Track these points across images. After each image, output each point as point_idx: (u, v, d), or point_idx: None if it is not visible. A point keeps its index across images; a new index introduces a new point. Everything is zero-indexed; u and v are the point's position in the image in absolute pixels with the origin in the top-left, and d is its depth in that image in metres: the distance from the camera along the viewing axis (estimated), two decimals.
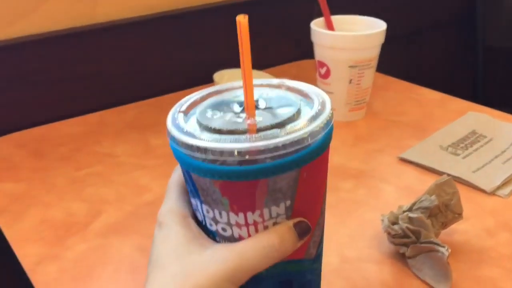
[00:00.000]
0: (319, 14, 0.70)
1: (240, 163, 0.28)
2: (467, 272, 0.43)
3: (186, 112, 0.33)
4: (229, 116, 0.31)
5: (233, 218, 0.30)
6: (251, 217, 0.30)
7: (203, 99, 0.34)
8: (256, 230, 0.30)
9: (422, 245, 0.41)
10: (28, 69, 0.70)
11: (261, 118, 0.30)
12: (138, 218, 0.51)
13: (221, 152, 0.28)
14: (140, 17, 0.79)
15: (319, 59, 0.69)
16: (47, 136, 0.68)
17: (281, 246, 0.30)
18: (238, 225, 0.31)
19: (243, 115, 0.31)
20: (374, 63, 0.68)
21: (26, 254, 0.46)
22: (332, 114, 0.30)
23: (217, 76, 0.77)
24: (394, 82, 0.83)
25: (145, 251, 0.46)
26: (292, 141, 0.28)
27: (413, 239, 0.42)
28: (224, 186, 0.29)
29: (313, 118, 0.30)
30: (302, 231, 0.31)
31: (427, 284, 0.42)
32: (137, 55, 0.79)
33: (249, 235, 0.31)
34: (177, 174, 0.34)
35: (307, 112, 0.31)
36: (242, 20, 0.29)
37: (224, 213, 0.30)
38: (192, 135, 0.29)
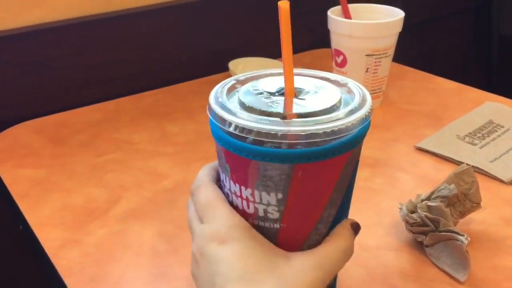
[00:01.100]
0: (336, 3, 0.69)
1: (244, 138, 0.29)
2: (485, 261, 0.43)
3: (229, 91, 0.34)
4: (264, 99, 0.32)
5: (232, 186, 0.32)
6: (244, 192, 0.31)
7: (245, 81, 0.35)
8: (248, 207, 0.32)
9: (441, 233, 0.42)
10: (46, 56, 0.71)
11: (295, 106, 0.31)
12: (157, 204, 0.52)
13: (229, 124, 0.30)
14: (156, 4, 0.79)
15: (336, 47, 0.68)
16: (66, 122, 0.68)
17: (352, 245, 0.33)
18: (236, 194, 0.32)
19: (279, 100, 0.32)
20: (391, 51, 0.68)
21: (48, 238, 0.47)
22: (337, 130, 0.29)
23: (232, 64, 0.77)
24: (410, 71, 0.83)
25: (164, 236, 0.47)
26: (295, 134, 0.28)
27: (432, 228, 0.42)
28: (226, 154, 0.31)
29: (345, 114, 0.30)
30: (357, 228, 0.34)
31: (445, 272, 0.42)
32: (153, 43, 0.79)
33: (243, 208, 0.32)
34: (212, 191, 0.33)
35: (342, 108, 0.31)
36: (283, 6, 0.30)
37: (227, 179, 0.32)
38: (228, 109, 0.30)
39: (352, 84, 0.34)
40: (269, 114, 0.30)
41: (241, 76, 0.35)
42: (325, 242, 0.32)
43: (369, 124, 0.31)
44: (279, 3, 0.30)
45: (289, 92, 0.32)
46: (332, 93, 0.32)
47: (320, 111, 0.30)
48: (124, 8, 0.76)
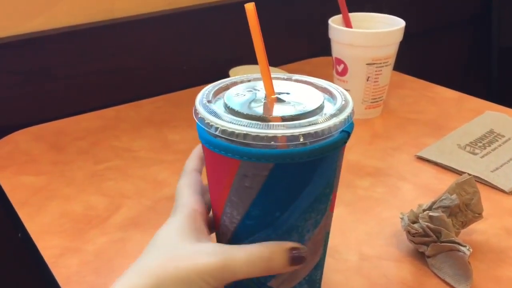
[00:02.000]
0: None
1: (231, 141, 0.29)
2: (487, 272, 0.43)
3: (214, 95, 0.34)
4: (249, 102, 0.32)
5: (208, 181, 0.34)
6: (220, 188, 0.32)
7: (229, 86, 0.35)
8: (220, 206, 0.33)
9: (443, 244, 0.41)
10: (47, 64, 0.71)
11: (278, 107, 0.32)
12: (157, 213, 0.51)
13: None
14: (157, 12, 0.79)
15: (337, 56, 0.69)
16: (66, 130, 0.68)
17: (269, 261, 0.31)
18: (212, 190, 0.34)
19: (263, 103, 0.33)
20: (392, 60, 0.68)
21: (47, 246, 0.47)
22: (309, 134, 0.29)
23: (233, 72, 0.77)
24: (410, 81, 0.83)
25: None
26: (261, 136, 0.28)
27: (434, 238, 0.42)
28: (209, 152, 0.32)
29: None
30: (295, 257, 0.31)
31: (447, 283, 0.42)
32: (154, 50, 0.79)
33: (219, 204, 0.33)
34: (187, 178, 0.37)
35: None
36: (248, 7, 0.31)
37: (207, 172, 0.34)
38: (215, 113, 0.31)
39: (334, 88, 0.35)
40: (253, 117, 0.30)
41: (230, 80, 0.36)
42: (243, 245, 0.32)
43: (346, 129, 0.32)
44: (245, 5, 0.31)
45: (268, 92, 0.33)
46: (315, 97, 0.33)
47: (303, 114, 0.31)
48: (125, 16, 0.77)
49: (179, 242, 0.32)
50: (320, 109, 0.32)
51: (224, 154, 0.30)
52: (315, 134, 0.29)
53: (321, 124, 0.29)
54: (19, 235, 0.54)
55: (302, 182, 0.30)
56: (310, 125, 0.29)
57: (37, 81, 0.71)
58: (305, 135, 0.29)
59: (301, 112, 0.31)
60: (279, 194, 0.31)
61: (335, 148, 0.31)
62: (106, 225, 0.50)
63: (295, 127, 0.29)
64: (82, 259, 0.45)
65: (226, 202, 0.32)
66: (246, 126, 0.29)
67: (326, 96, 0.34)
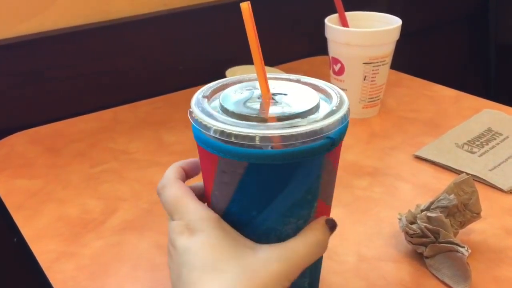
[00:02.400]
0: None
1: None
2: (485, 272, 0.43)
3: (209, 97, 0.34)
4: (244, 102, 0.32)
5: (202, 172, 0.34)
6: (208, 181, 0.33)
7: (225, 86, 0.35)
8: (209, 198, 0.33)
9: (441, 245, 0.41)
10: (43, 65, 0.70)
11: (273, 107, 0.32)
12: (154, 216, 0.51)
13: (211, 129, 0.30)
14: (153, 13, 0.79)
15: (333, 55, 0.68)
16: (62, 132, 0.68)
17: (324, 242, 0.33)
18: (204, 181, 0.34)
19: (259, 104, 0.33)
20: (389, 59, 0.68)
21: (42, 251, 0.47)
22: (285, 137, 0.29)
23: (229, 72, 0.77)
24: (408, 79, 0.83)
25: (161, 248, 0.46)
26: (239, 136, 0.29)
27: (432, 239, 0.42)
28: (197, 145, 0.32)
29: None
30: (331, 225, 0.33)
31: (445, 284, 0.41)
32: (150, 51, 0.79)
33: (208, 195, 0.33)
34: (178, 189, 0.34)
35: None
36: (244, 7, 0.31)
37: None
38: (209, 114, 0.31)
39: (330, 88, 0.34)
40: (249, 117, 0.30)
41: (223, 81, 0.36)
42: (295, 236, 0.32)
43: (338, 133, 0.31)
44: (240, 4, 0.31)
45: (264, 92, 0.33)
46: (311, 98, 0.33)
47: (298, 113, 0.30)
48: (121, 17, 0.76)
49: (241, 258, 0.30)
50: (311, 112, 0.31)
51: (205, 148, 0.31)
52: (291, 137, 0.29)
53: (300, 127, 0.29)
54: (15, 239, 0.53)
55: (278, 184, 0.30)
56: (290, 127, 0.29)
57: (32, 83, 0.70)
58: (283, 137, 0.29)
59: (291, 113, 0.30)
60: (255, 193, 0.31)
61: (314, 154, 0.30)
62: (103, 229, 0.49)
63: (274, 128, 0.29)
64: (78, 264, 0.45)
65: (211, 195, 0.33)
66: (226, 123, 0.29)
67: (325, 97, 0.34)
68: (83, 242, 0.48)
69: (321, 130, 0.29)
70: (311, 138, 0.29)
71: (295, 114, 0.30)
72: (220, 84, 0.35)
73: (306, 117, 0.30)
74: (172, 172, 0.35)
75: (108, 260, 0.45)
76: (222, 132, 0.29)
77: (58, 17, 0.71)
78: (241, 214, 0.32)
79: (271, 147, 0.29)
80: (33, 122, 0.70)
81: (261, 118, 0.30)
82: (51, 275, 0.44)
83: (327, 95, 0.34)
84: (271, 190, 0.31)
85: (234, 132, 0.29)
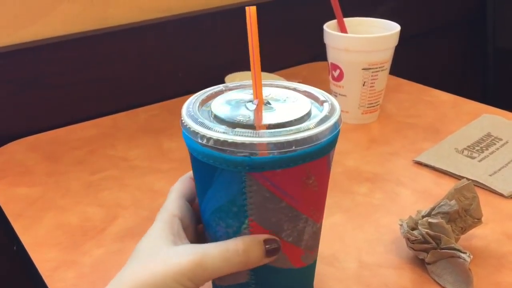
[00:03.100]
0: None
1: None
2: (487, 278, 0.43)
3: (202, 103, 0.35)
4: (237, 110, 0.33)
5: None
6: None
7: (218, 94, 0.36)
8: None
9: (443, 251, 0.41)
10: (41, 72, 0.70)
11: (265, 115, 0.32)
12: None
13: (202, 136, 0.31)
14: (152, 20, 0.79)
15: (332, 61, 0.68)
16: (61, 139, 0.68)
17: (244, 255, 0.31)
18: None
19: (251, 111, 0.33)
20: (388, 65, 0.68)
21: (43, 259, 0.46)
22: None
23: (228, 78, 0.77)
24: (407, 84, 0.83)
25: None
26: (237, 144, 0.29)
27: (433, 245, 0.42)
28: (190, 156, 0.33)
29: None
30: (271, 249, 0.31)
31: None
32: (150, 58, 0.79)
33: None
34: (180, 182, 0.37)
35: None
36: (252, 11, 0.31)
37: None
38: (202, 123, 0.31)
39: (322, 95, 0.35)
40: (239, 125, 0.31)
41: (218, 87, 0.36)
42: (221, 243, 0.32)
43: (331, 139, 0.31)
44: (246, 7, 0.31)
45: (259, 97, 0.33)
46: (302, 104, 0.33)
47: (289, 121, 0.31)
48: (120, 24, 0.76)
49: (156, 248, 0.32)
50: (300, 120, 0.31)
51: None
52: (233, 144, 0.29)
53: (218, 134, 0.30)
54: (14, 247, 0.53)
55: (205, 181, 0.32)
56: (227, 133, 0.30)
57: (31, 90, 0.70)
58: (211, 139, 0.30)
59: (288, 120, 0.31)
60: (197, 182, 0.34)
61: (229, 165, 0.30)
62: (103, 237, 0.49)
63: (243, 135, 0.29)
64: (78, 272, 0.45)
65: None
66: (201, 125, 0.31)
67: (318, 106, 0.34)
68: (83, 250, 0.47)
69: (289, 143, 0.29)
70: (231, 150, 0.29)
71: (294, 120, 0.31)
72: (212, 91, 0.36)
73: (294, 125, 0.30)
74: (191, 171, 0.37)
75: (108, 268, 0.45)
76: (189, 128, 0.31)
77: (57, 24, 0.72)
78: (198, 199, 0.35)
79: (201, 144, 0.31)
80: (32, 130, 0.70)
81: (248, 125, 0.31)
82: (52, 284, 0.43)
83: (320, 104, 0.34)
84: (203, 184, 0.32)
85: (192, 128, 0.31)
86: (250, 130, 0.29)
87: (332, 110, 0.32)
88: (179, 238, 0.33)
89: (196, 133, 0.30)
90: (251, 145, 0.29)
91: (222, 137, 0.29)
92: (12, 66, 0.68)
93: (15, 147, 0.66)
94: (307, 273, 0.36)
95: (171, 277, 0.30)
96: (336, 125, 0.31)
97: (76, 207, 0.54)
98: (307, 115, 0.32)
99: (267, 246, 0.31)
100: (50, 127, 0.70)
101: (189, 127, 0.31)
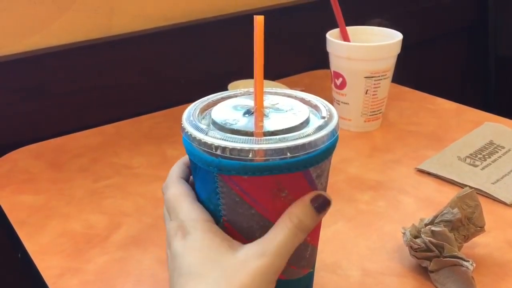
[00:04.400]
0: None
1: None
2: (491, 286, 0.43)
3: (202, 110, 0.35)
4: (235, 117, 0.33)
5: None
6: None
7: (218, 101, 0.36)
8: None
9: (446, 259, 0.41)
10: (45, 81, 0.71)
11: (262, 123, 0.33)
12: (157, 230, 0.51)
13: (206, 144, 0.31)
14: (155, 28, 0.79)
15: (335, 69, 0.69)
16: (65, 147, 0.68)
17: (301, 223, 0.31)
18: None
19: (249, 118, 0.33)
20: (390, 73, 0.68)
21: (47, 267, 0.47)
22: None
23: (232, 86, 0.77)
24: (409, 92, 0.83)
25: (165, 263, 0.46)
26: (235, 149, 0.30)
27: (436, 253, 0.42)
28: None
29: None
30: (319, 205, 0.32)
31: None
32: (152, 66, 0.79)
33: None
34: (177, 188, 0.35)
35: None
36: (259, 20, 0.32)
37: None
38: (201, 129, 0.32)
39: (320, 102, 0.35)
40: (237, 132, 0.31)
41: (218, 95, 0.37)
42: (273, 226, 0.31)
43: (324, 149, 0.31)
44: (254, 16, 0.32)
45: (258, 106, 0.33)
46: (301, 112, 0.33)
47: (286, 129, 0.31)
48: (123, 33, 0.77)
49: (222, 260, 0.30)
50: (298, 128, 0.32)
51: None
52: (204, 144, 0.30)
53: (196, 132, 0.31)
54: (19, 255, 0.53)
55: (194, 176, 0.34)
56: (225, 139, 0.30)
57: (35, 99, 0.71)
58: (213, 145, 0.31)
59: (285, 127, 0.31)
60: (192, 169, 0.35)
61: (203, 163, 0.31)
62: (107, 244, 0.49)
63: (215, 137, 0.30)
64: (83, 279, 0.45)
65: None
66: (195, 128, 0.32)
67: (317, 113, 0.34)
68: (87, 257, 0.48)
69: (282, 150, 0.30)
70: (278, 156, 0.30)
71: (291, 128, 0.31)
72: (213, 99, 0.36)
73: (292, 132, 0.31)
74: (175, 171, 0.36)
75: (112, 276, 0.45)
76: (193, 137, 0.31)
77: (61, 32, 0.72)
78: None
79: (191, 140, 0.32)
80: (36, 137, 0.70)
81: (246, 132, 0.31)
82: None
83: (320, 112, 0.34)
84: (193, 177, 0.34)
85: (196, 136, 0.31)
86: (221, 132, 0.31)
87: (318, 129, 0.31)
88: (227, 240, 0.32)
89: (183, 129, 0.32)
90: (219, 147, 0.30)
91: (198, 136, 0.31)
92: (16, 75, 0.69)
93: (19, 155, 0.67)
94: (288, 287, 0.35)
95: (259, 279, 0.29)
96: (312, 144, 0.30)
97: (80, 215, 0.54)
98: (303, 124, 0.32)
99: (315, 205, 0.31)
100: (54, 135, 0.71)
101: (182, 124, 0.33)
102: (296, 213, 0.31)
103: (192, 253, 0.31)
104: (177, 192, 0.34)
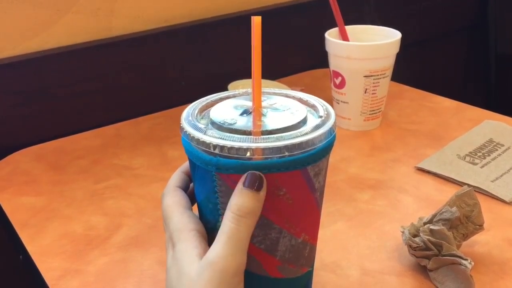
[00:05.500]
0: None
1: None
2: (490, 284, 0.43)
3: (201, 111, 0.36)
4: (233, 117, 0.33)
5: None
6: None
7: (217, 101, 0.37)
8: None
9: (444, 257, 0.41)
10: (46, 83, 0.71)
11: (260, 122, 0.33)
12: (158, 231, 0.51)
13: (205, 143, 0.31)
14: (154, 29, 0.80)
15: (334, 69, 0.69)
16: (66, 148, 0.68)
17: (241, 209, 0.30)
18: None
19: (247, 118, 0.33)
20: (389, 72, 0.68)
21: (48, 268, 0.47)
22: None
23: (231, 86, 0.77)
24: (408, 91, 0.83)
25: (165, 264, 0.46)
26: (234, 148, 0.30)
27: (435, 252, 0.42)
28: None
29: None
30: (250, 182, 0.30)
31: None
32: (152, 67, 0.79)
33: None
34: (171, 198, 0.35)
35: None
36: (257, 20, 0.32)
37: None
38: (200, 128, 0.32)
39: (317, 102, 0.35)
40: (235, 131, 0.31)
41: (217, 95, 0.37)
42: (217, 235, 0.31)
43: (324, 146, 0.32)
44: (252, 17, 0.32)
45: (256, 105, 0.34)
46: (298, 111, 0.34)
47: (284, 128, 0.31)
48: (123, 34, 0.77)
49: (184, 273, 0.31)
50: (295, 127, 0.32)
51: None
52: (203, 143, 0.31)
53: (194, 131, 0.31)
54: (20, 256, 0.54)
55: (193, 176, 0.34)
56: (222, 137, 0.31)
57: (36, 101, 0.71)
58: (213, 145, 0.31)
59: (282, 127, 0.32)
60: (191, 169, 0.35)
61: (202, 162, 0.31)
62: (107, 245, 0.49)
63: (213, 136, 0.31)
64: (83, 281, 0.45)
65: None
66: (194, 128, 0.32)
67: (314, 113, 0.34)
68: (88, 259, 0.48)
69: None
70: (275, 155, 0.30)
71: (289, 127, 0.32)
72: (212, 99, 0.36)
73: (289, 131, 0.31)
74: (173, 180, 0.36)
75: (112, 277, 0.45)
76: (191, 136, 0.32)
77: (61, 35, 0.72)
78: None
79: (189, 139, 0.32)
80: (36, 140, 0.70)
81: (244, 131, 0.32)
82: None
83: (317, 112, 0.34)
84: (192, 178, 0.35)
85: (195, 136, 0.31)
86: (219, 132, 0.31)
87: (315, 128, 0.32)
88: (205, 249, 0.32)
89: (182, 128, 0.33)
90: (218, 146, 0.30)
91: (197, 135, 0.31)
92: (17, 77, 0.69)
93: (20, 156, 0.67)
94: (287, 286, 0.35)
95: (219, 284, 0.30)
96: (309, 142, 0.31)
97: (80, 216, 0.54)
98: (300, 123, 0.32)
99: (248, 185, 0.30)
100: (54, 137, 0.71)
101: (181, 123, 0.33)
102: (233, 201, 0.31)
103: (174, 266, 0.32)
104: (169, 202, 0.34)
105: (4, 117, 0.69)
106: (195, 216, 0.34)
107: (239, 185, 0.31)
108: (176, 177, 0.37)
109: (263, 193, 0.30)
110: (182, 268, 0.31)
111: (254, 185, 0.30)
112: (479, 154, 0.61)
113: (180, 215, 0.33)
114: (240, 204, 0.30)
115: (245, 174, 0.30)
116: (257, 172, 0.30)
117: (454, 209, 0.43)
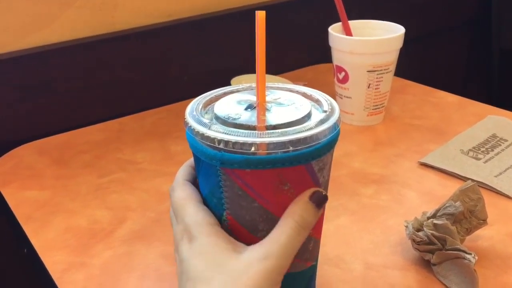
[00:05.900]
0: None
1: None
2: (493, 279, 0.43)
3: (205, 105, 0.35)
4: (238, 112, 0.33)
5: None
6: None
7: (221, 96, 0.37)
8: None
9: (448, 252, 0.41)
10: (49, 77, 0.71)
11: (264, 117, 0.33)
12: (161, 225, 0.51)
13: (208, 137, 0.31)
14: (158, 24, 0.79)
15: (337, 64, 0.69)
16: (69, 143, 0.69)
17: (303, 221, 0.31)
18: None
19: (252, 113, 0.33)
20: (393, 67, 0.68)
21: (53, 261, 0.47)
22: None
23: (234, 81, 0.77)
24: (412, 86, 0.83)
25: (169, 258, 0.47)
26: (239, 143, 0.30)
27: (439, 246, 0.42)
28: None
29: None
30: (318, 200, 0.32)
31: None
32: (155, 62, 0.79)
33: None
34: (182, 191, 0.35)
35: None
36: (261, 15, 0.32)
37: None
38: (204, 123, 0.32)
39: (322, 97, 0.35)
40: (240, 126, 0.31)
41: (221, 90, 0.37)
42: (275, 227, 0.31)
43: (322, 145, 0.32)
44: (256, 11, 0.32)
45: (261, 100, 0.34)
46: (303, 106, 0.34)
47: (288, 123, 0.31)
48: (126, 29, 0.77)
49: (226, 265, 0.30)
50: (300, 121, 0.32)
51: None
52: (207, 138, 0.31)
53: (199, 126, 0.31)
54: (25, 250, 0.54)
55: (197, 171, 0.34)
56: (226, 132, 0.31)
57: (39, 95, 0.71)
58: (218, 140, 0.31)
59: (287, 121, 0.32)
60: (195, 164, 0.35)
61: (206, 157, 0.31)
62: (111, 239, 0.50)
63: (217, 131, 0.31)
64: (88, 274, 0.45)
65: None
66: (198, 123, 0.32)
67: (321, 110, 0.34)
68: (92, 252, 0.48)
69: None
70: (278, 150, 0.30)
71: (293, 121, 0.32)
72: (216, 94, 0.36)
73: (294, 126, 0.31)
74: (181, 174, 0.36)
75: (117, 270, 0.46)
76: (196, 131, 0.31)
77: (64, 30, 0.72)
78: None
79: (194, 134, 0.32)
80: (40, 134, 0.70)
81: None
82: (62, 286, 0.44)
83: (321, 106, 0.34)
84: (197, 173, 0.35)
85: (200, 130, 0.31)
86: (223, 126, 0.31)
87: (319, 122, 0.32)
88: (233, 243, 0.32)
89: (186, 123, 0.32)
90: (222, 141, 0.30)
91: (201, 130, 0.31)
92: (20, 72, 0.69)
93: (24, 151, 0.67)
94: (292, 280, 0.35)
95: (263, 281, 0.30)
96: (314, 137, 0.31)
97: (84, 210, 0.54)
98: (304, 118, 0.32)
99: (314, 201, 0.32)
100: (58, 131, 0.71)
101: (185, 118, 0.33)
102: (298, 211, 0.31)
103: (198, 257, 0.31)
104: (182, 194, 0.34)
105: (7, 112, 0.69)
106: (209, 210, 0.34)
107: (305, 198, 0.32)
108: (184, 171, 0.37)
109: (322, 211, 0.33)
110: (216, 260, 0.31)
111: (320, 204, 0.32)
112: (482, 149, 0.61)
113: (196, 208, 0.33)
114: (305, 217, 0.31)
115: (312, 190, 0.32)
116: (323, 191, 0.32)
117: (458, 203, 0.43)
